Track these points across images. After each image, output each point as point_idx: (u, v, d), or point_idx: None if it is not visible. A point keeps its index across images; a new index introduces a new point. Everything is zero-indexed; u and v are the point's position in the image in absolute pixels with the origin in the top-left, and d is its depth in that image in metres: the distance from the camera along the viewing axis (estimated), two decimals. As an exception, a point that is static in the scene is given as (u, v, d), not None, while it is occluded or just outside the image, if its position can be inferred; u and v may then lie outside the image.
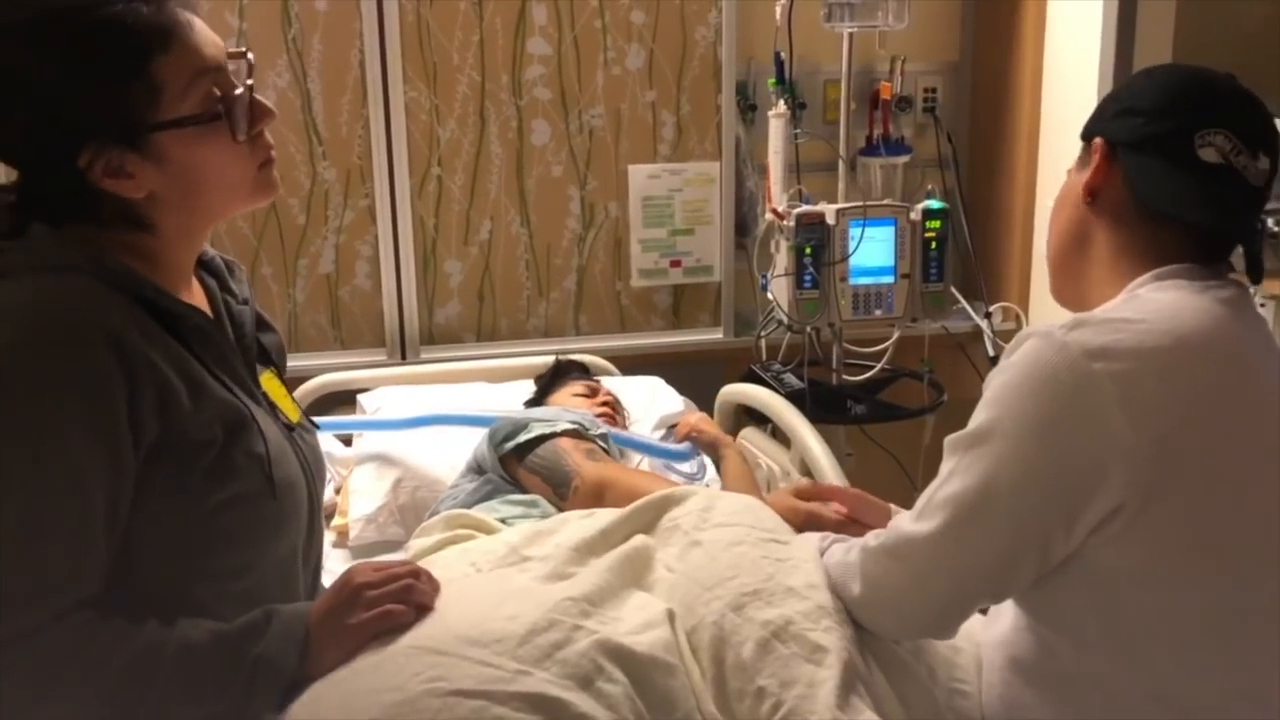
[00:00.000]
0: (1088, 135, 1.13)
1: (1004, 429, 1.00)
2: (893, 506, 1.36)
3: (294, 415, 1.17)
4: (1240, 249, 1.10)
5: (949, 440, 1.06)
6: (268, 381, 1.15)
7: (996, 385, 1.02)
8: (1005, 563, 1.03)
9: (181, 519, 0.98)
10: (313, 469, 1.14)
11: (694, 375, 2.43)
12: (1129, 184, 1.07)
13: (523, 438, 1.69)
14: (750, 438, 2.15)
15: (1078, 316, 1.02)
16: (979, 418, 1.03)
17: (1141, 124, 1.06)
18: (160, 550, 0.98)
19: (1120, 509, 0.97)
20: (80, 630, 0.92)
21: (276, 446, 1.06)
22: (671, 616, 1.12)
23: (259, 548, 1.05)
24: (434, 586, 1.11)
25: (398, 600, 1.05)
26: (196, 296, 1.11)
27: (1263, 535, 1.01)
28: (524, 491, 1.67)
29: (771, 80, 2.31)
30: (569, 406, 1.93)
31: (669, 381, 2.32)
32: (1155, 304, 1.03)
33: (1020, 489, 0.99)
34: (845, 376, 2.36)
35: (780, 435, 2.03)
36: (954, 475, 1.03)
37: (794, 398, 2.11)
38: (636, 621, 1.10)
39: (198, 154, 1.01)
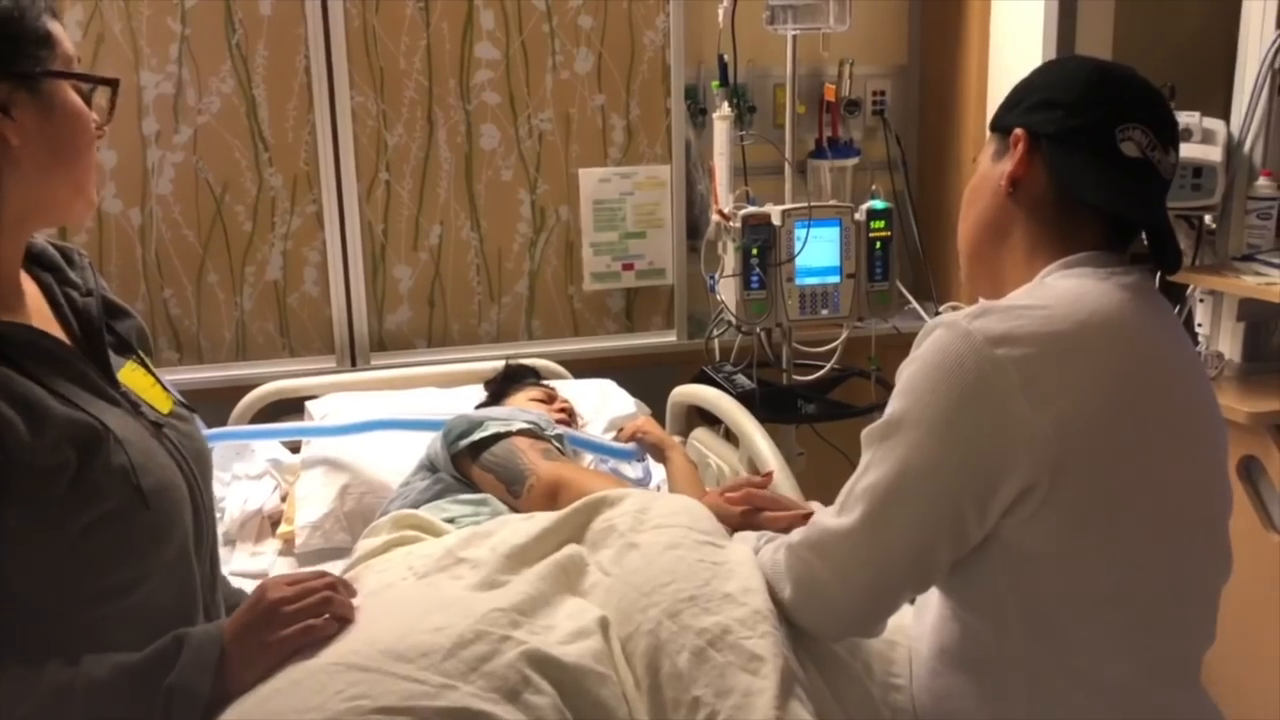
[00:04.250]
0: (1004, 127, 1.13)
1: (914, 418, 1.01)
2: (815, 504, 1.37)
3: (164, 405, 1.10)
4: (1145, 240, 1.12)
5: (864, 433, 1.07)
6: (129, 374, 1.08)
7: (906, 376, 1.04)
8: (923, 548, 1.04)
9: (48, 548, 0.93)
10: (191, 460, 1.08)
11: (647, 378, 2.44)
12: (1051, 175, 1.09)
13: (477, 435, 1.68)
14: (701, 438, 2.15)
15: (982, 305, 1.04)
16: (890, 408, 1.05)
17: (1063, 116, 1.08)
18: (36, 583, 0.93)
19: (1030, 490, 0.98)
20: None
21: (141, 453, 1.00)
22: (605, 624, 1.11)
23: (143, 560, 0.99)
24: (351, 593, 1.09)
25: (316, 613, 1.03)
26: (30, 299, 1.05)
27: (1171, 512, 1.03)
28: (475, 490, 1.66)
29: (716, 83, 2.33)
30: (525, 410, 1.92)
31: (623, 384, 2.32)
32: (1058, 290, 1.05)
33: (931, 475, 1.01)
34: (795, 376, 2.37)
35: (732, 436, 2.04)
36: (870, 467, 1.05)
37: (744, 398, 2.12)
38: (568, 630, 1.09)
39: (75, 117, 0.98)
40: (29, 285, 1.05)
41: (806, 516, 1.30)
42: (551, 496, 1.56)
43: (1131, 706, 1.03)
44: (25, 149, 0.95)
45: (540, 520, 1.31)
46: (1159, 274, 1.12)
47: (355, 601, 1.10)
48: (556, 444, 1.75)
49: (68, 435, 0.94)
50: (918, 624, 1.17)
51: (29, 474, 0.91)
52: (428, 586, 1.22)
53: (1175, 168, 1.09)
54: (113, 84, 1.02)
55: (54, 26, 0.98)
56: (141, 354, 1.13)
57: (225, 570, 1.27)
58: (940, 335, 1.01)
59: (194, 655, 0.96)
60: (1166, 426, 1.04)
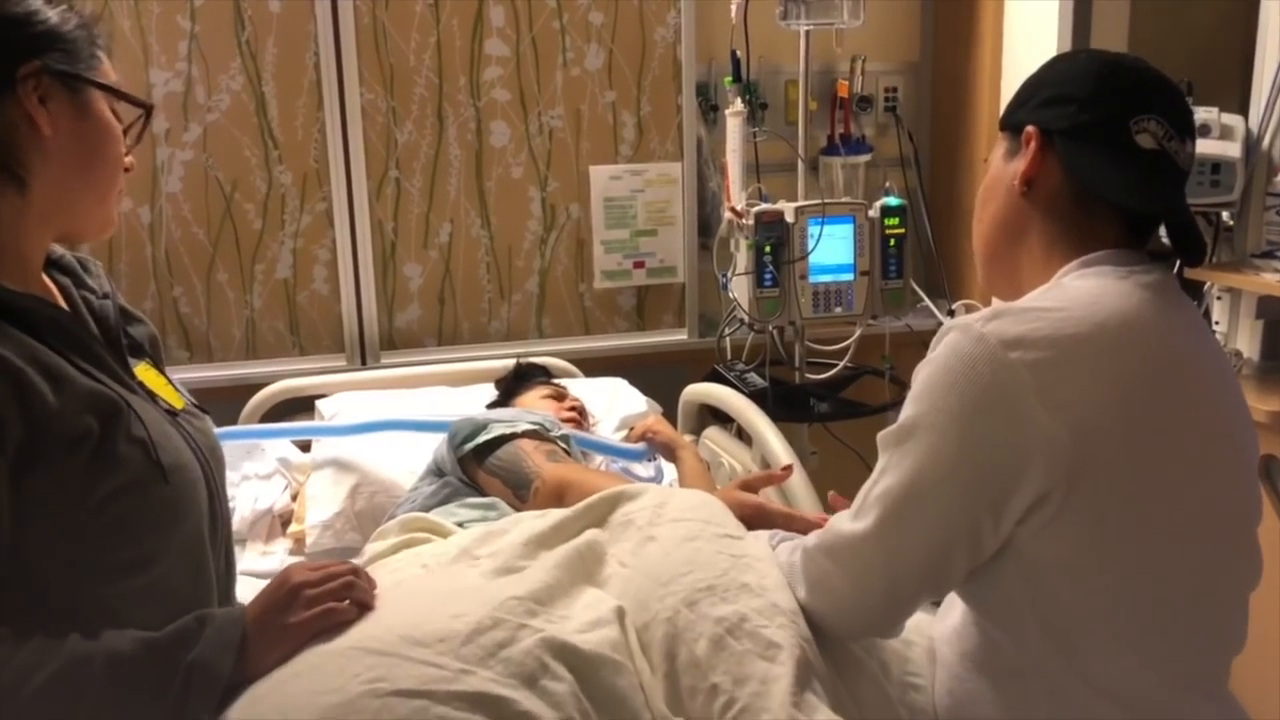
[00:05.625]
0: (1016, 124, 1.11)
1: (928, 422, 1.00)
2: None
3: (178, 403, 1.13)
4: (1164, 233, 1.10)
5: (880, 436, 1.06)
6: (144, 372, 1.11)
7: (921, 379, 1.02)
8: (938, 555, 1.02)
9: (69, 518, 0.94)
10: (205, 452, 1.10)
11: (659, 377, 2.42)
12: (1066, 172, 1.06)
13: (482, 439, 1.67)
14: (713, 437, 2.14)
15: (997, 307, 1.01)
16: (905, 412, 1.03)
17: (1075, 111, 1.05)
18: (56, 554, 0.94)
19: (1046, 497, 0.96)
20: None
21: (159, 431, 1.03)
22: (621, 614, 1.11)
23: (159, 537, 1.01)
24: (372, 584, 1.09)
25: (338, 598, 1.03)
26: (52, 298, 1.07)
27: (1194, 518, 1.01)
28: (483, 494, 1.65)
29: (728, 78, 2.31)
30: (535, 409, 1.91)
31: (634, 383, 2.31)
32: (1075, 291, 1.02)
33: (946, 480, 0.99)
34: (808, 375, 2.36)
35: (745, 435, 2.03)
36: (885, 472, 1.03)
37: (757, 397, 2.10)
38: (585, 620, 1.09)
39: (106, 129, 1.04)
40: (50, 286, 1.08)
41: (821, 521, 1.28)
42: (557, 499, 1.55)
43: (1155, 716, 1.01)
44: (55, 143, 1.00)
45: (556, 515, 1.31)
46: (1180, 269, 1.10)
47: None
48: (562, 445, 1.74)
49: (90, 405, 0.96)
50: (940, 626, 1.16)
51: (56, 441, 0.93)
52: (444, 576, 1.22)
53: (1193, 158, 1.07)
54: (147, 108, 1.08)
55: (104, 56, 1.06)
56: (154, 359, 1.16)
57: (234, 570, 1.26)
58: (954, 338, 0.99)
59: (216, 634, 0.97)
60: (1189, 430, 1.01)
